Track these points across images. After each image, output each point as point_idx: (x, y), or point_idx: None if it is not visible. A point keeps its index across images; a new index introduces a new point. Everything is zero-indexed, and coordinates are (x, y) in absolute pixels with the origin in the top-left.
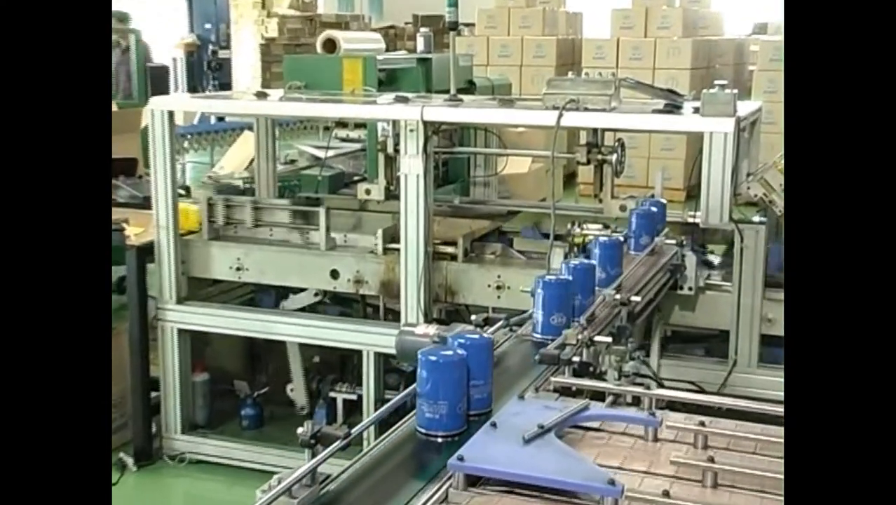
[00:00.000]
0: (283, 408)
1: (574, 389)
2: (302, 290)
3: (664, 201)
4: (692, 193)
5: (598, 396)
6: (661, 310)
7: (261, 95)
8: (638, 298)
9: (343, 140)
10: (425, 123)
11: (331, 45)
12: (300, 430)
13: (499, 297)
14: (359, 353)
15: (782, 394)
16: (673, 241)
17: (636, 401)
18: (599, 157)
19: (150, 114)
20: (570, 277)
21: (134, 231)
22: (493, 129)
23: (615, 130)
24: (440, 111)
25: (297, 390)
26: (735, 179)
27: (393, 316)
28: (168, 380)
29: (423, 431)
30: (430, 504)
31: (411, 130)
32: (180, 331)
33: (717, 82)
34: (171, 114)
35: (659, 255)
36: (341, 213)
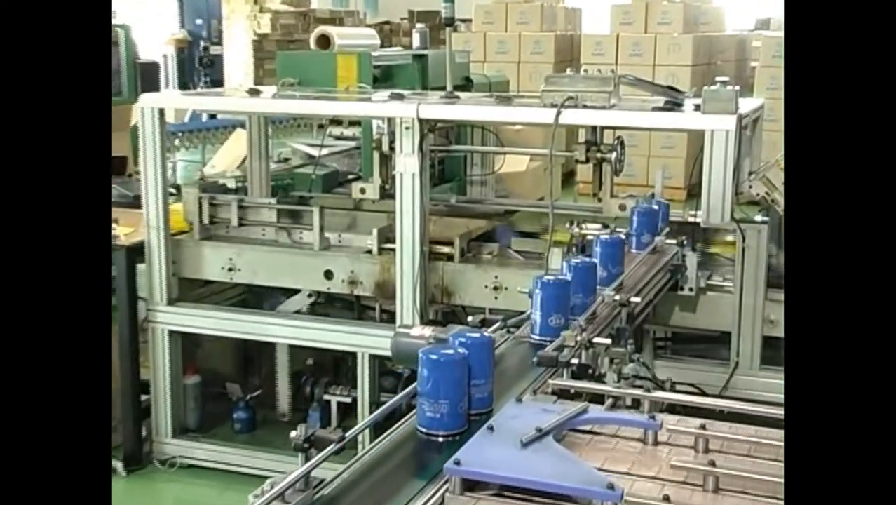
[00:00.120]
0: (276, 411)
1: (573, 391)
2: (295, 292)
3: (665, 202)
4: (693, 192)
5: (598, 398)
6: (655, 311)
7: (253, 92)
8: (638, 299)
9: (337, 138)
10: (421, 121)
11: (325, 41)
12: (293, 433)
13: (496, 298)
14: (353, 355)
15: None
16: (673, 241)
17: (636, 404)
18: (598, 155)
19: (139, 111)
20: (571, 276)
21: (123, 231)
22: (491, 126)
23: (614, 128)
24: (436, 109)
25: (281, 395)
26: (737, 178)
27: (388, 317)
28: (158, 383)
29: (423, 430)
30: None
31: (407, 128)
32: (171, 333)
33: (718, 79)
34: (161, 111)
35: (660, 254)
36: (335, 213)
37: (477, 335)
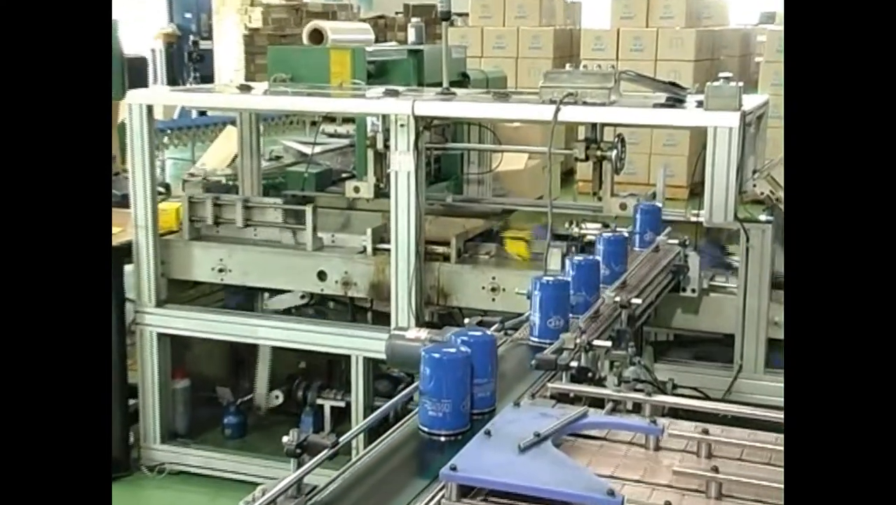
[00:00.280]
0: (268, 416)
1: (572, 395)
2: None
3: (660, 205)
4: (696, 191)
5: (597, 402)
6: (657, 312)
7: (244, 89)
8: (639, 301)
9: (330, 135)
10: (416, 118)
11: (318, 35)
12: (285, 439)
13: (493, 299)
14: (347, 358)
15: None
16: (675, 242)
17: (637, 408)
18: (598, 153)
19: (127, 108)
20: (573, 275)
21: None
22: (488, 123)
23: (615, 125)
24: (432, 105)
25: (258, 392)
26: (740, 176)
27: (383, 319)
28: (147, 387)
29: (425, 429)
30: None
31: (402, 125)
32: (159, 335)
33: (721, 75)
34: (149, 108)
35: (662, 254)
36: (329, 212)
37: (479, 333)
